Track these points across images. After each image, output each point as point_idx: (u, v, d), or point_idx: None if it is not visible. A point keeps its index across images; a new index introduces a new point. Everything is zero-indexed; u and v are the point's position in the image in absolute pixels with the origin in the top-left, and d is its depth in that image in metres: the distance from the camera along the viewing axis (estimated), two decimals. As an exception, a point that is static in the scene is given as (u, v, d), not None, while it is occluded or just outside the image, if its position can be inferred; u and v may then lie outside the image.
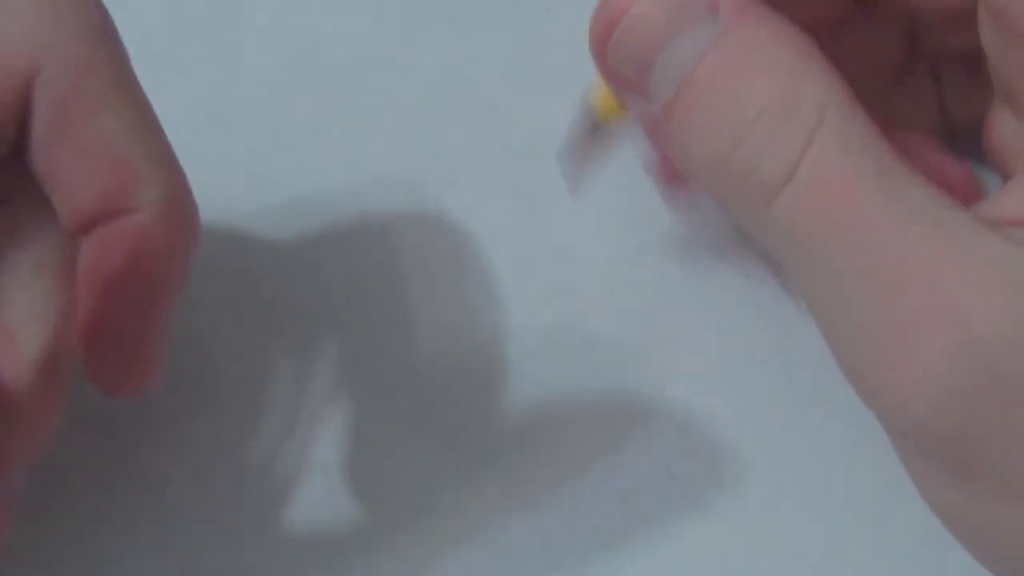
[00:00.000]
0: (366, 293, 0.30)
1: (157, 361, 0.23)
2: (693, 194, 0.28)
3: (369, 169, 0.31)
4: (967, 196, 0.23)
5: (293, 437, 0.29)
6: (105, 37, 0.22)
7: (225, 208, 0.31)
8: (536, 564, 0.28)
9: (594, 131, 0.25)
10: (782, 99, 0.21)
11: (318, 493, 0.28)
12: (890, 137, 0.21)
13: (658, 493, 0.28)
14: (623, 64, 0.23)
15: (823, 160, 0.20)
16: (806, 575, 0.27)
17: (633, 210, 0.30)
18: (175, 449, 0.29)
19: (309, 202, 0.31)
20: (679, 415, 0.29)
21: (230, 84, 0.32)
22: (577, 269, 0.30)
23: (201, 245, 0.25)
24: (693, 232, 0.30)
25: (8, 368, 0.22)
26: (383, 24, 0.32)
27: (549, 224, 0.30)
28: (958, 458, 0.20)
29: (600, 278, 0.30)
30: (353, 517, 0.28)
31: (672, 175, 0.27)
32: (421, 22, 0.32)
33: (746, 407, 0.29)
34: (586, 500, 0.28)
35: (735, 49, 0.21)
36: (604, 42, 0.23)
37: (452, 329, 0.30)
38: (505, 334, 0.30)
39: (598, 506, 0.28)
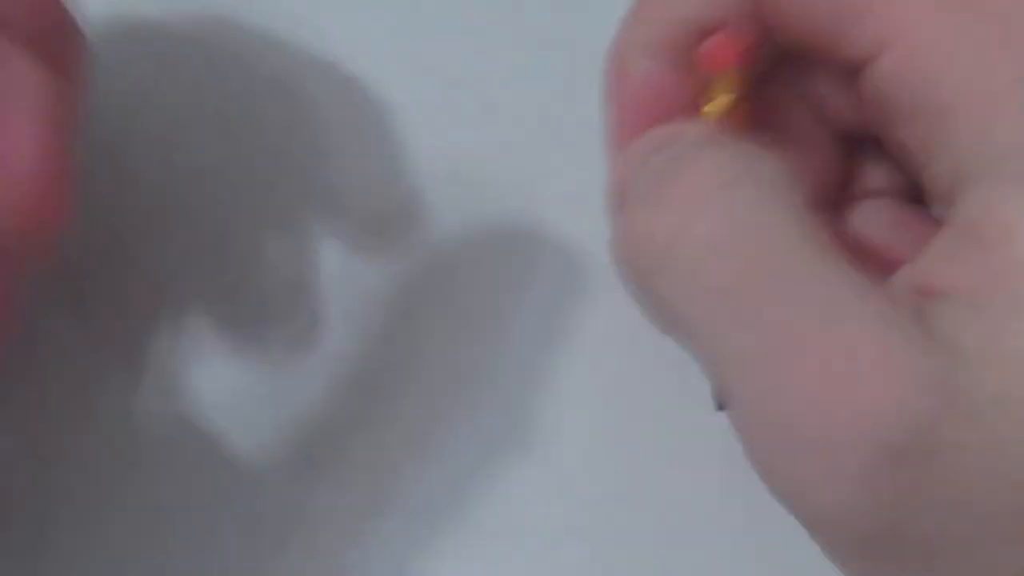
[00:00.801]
0: (365, 291, 0.30)
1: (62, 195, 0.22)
2: None
3: (368, 168, 0.31)
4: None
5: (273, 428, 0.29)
6: None
7: (224, 205, 0.31)
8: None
9: None
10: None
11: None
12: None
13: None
14: None
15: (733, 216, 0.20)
16: None
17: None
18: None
19: (306, 203, 0.31)
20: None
21: (230, 84, 0.32)
22: (577, 268, 0.30)
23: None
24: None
25: None
26: (383, 24, 0.32)
27: (549, 224, 0.30)
28: (871, 548, 0.20)
29: (601, 276, 0.30)
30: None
31: None
32: (421, 22, 0.32)
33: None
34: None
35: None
36: None
37: (450, 330, 0.30)
38: (503, 335, 0.30)
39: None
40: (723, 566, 0.28)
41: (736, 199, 0.20)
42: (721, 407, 0.25)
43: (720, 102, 0.23)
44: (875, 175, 0.26)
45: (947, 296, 0.20)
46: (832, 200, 0.25)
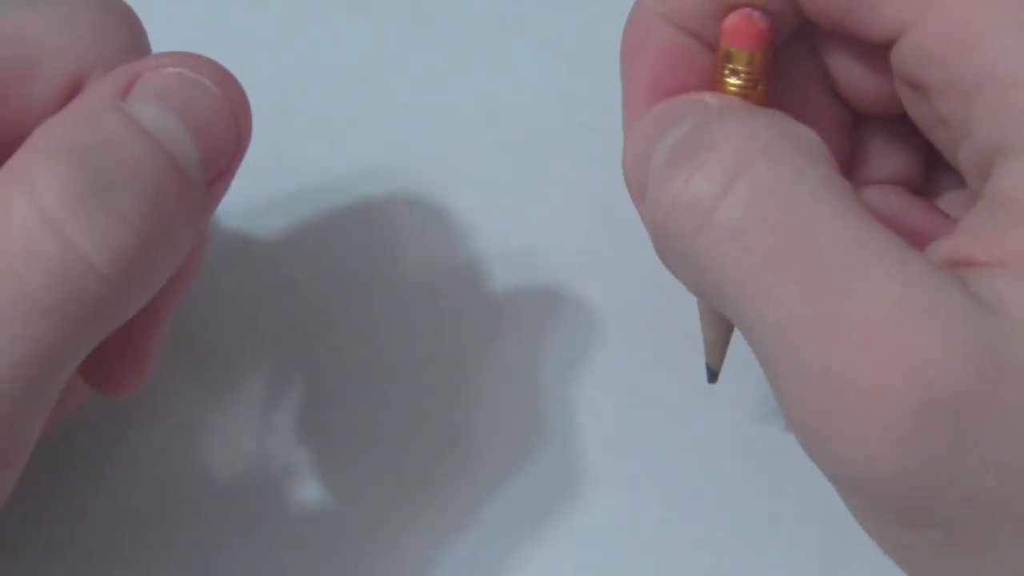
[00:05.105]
0: (365, 293, 0.30)
1: (152, 364, 0.24)
2: None
3: (369, 169, 0.31)
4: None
5: (286, 434, 0.29)
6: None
7: (225, 207, 0.31)
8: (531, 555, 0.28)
9: (715, 317, 0.25)
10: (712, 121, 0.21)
11: (308, 494, 0.28)
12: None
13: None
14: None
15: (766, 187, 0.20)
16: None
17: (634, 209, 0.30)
18: (165, 445, 0.29)
19: (308, 201, 0.31)
20: (682, 417, 0.29)
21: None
22: (577, 269, 0.30)
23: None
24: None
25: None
26: (383, 24, 0.32)
27: (549, 224, 0.30)
28: (913, 511, 0.20)
29: (600, 278, 0.30)
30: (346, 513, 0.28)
31: None
32: (421, 22, 0.32)
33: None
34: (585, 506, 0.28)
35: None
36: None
37: (451, 330, 0.30)
38: (504, 335, 0.30)
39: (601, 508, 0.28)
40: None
41: (778, 162, 0.20)
42: (713, 378, 0.25)
43: (741, 77, 0.23)
44: (880, 164, 0.26)
45: (987, 266, 0.20)
46: None
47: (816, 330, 0.19)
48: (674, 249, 0.21)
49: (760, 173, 0.20)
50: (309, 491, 0.29)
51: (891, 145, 0.26)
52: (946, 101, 0.22)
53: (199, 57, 0.22)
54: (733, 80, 0.23)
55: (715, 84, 0.23)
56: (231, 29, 0.32)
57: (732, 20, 0.23)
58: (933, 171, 0.26)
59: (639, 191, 0.23)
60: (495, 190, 0.31)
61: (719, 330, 0.25)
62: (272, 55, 0.32)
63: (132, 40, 0.23)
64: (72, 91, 0.22)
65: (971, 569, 0.20)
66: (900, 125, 0.25)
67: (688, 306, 0.29)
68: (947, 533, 0.20)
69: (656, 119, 0.23)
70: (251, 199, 0.30)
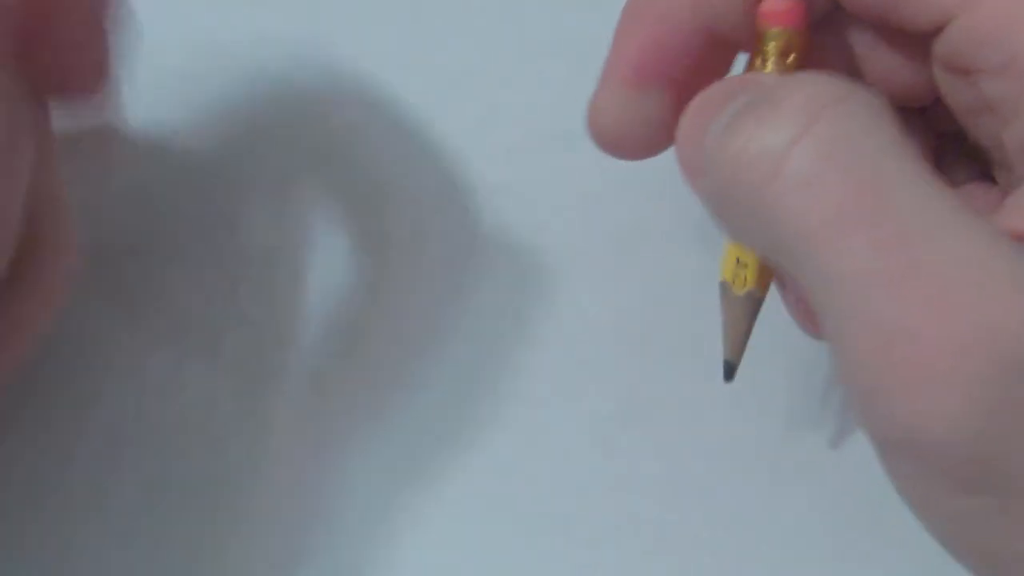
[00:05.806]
0: (364, 291, 0.30)
1: (106, 61, 0.23)
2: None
3: (368, 168, 0.31)
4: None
5: (283, 433, 0.29)
6: None
7: (225, 206, 0.31)
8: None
9: (738, 307, 0.25)
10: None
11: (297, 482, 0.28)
12: None
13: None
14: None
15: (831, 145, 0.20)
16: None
17: (634, 210, 0.30)
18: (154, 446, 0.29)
19: (307, 200, 0.31)
20: (684, 409, 0.29)
21: (229, 85, 0.32)
22: (576, 269, 0.30)
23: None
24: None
25: None
26: (383, 24, 0.32)
27: (549, 224, 0.30)
28: (972, 474, 0.19)
29: (600, 278, 0.30)
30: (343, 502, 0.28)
31: (809, 316, 0.26)
32: (421, 22, 0.32)
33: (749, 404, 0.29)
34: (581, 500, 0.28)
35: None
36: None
37: (451, 331, 0.30)
38: (504, 335, 0.30)
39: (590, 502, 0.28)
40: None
41: (848, 115, 0.20)
42: (730, 375, 0.25)
43: (778, 60, 0.23)
44: None
45: None
46: None
47: (887, 282, 0.19)
48: (741, 202, 0.21)
49: (830, 125, 0.20)
50: (305, 490, 0.29)
51: (916, 136, 0.25)
52: (997, 82, 0.21)
53: None
54: (771, 64, 0.23)
55: (751, 69, 0.23)
56: (232, 29, 0.32)
57: (769, 2, 0.23)
58: (946, 164, 0.26)
59: (693, 171, 0.22)
60: (495, 190, 0.31)
61: (745, 321, 0.24)
62: (273, 55, 0.32)
63: None
64: None
65: (1018, 539, 0.20)
66: (917, 118, 0.25)
67: (688, 306, 0.29)
68: (1003, 499, 0.19)
69: (711, 97, 0.22)
70: (250, 198, 0.30)
